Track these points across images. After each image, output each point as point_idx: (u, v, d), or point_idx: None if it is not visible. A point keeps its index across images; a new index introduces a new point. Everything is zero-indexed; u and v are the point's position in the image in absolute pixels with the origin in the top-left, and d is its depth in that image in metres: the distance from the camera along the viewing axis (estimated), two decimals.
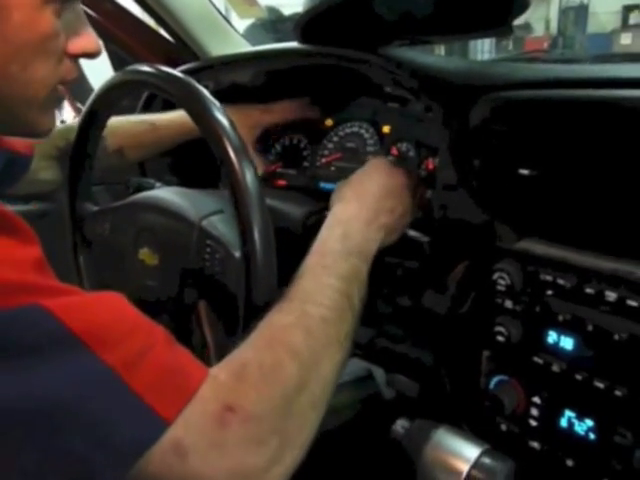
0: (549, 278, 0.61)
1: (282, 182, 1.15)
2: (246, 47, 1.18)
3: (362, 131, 1.05)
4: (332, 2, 0.84)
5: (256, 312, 0.61)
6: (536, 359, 0.64)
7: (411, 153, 0.98)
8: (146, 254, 0.80)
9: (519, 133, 0.66)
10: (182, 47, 1.23)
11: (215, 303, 0.75)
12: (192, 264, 0.74)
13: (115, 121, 0.94)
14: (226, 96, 1.13)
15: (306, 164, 1.12)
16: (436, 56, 0.88)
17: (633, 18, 6.19)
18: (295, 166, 1.14)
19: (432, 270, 0.81)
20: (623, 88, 0.58)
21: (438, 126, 0.78)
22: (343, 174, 1.06)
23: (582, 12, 5.76)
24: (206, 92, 0.64)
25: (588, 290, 0.59)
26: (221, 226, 0.74)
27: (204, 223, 0.74)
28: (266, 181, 1.17)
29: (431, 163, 0.95)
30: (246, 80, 1.06)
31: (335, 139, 1.09)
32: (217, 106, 0.63)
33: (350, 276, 0.62)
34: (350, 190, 0.73)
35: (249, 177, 0.62)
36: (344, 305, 0.59)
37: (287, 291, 0.60)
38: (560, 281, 0.60)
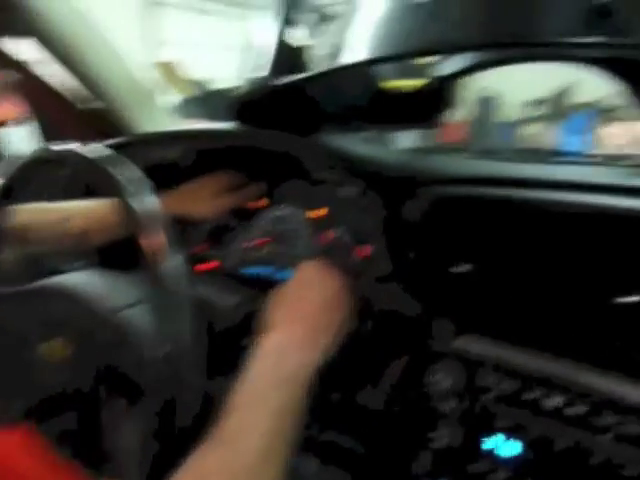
0: (490, 381, 0.58)
1: (207, 265, 1.09)
2: (178, 124, 1.14)
3: (294, 214, 1.02)
4: (271, 88, 0.82)
5: (176, 432, 0.54)
6: (477, 466, 0.60)
7: (345, 238, 0.96)
8: (52, 348, 0.71)
9: (454, 228, 0.64)
10: (114, 119, 1.17)
11: (133, 404, 0.67)
12: (107, 361, 0.66)
13: (81, 202, 0.89)
14: (155, 173, 1.08)
15: (235, 246, 1.07)
16: (370, 145, 0.87)
17: (535, 111, 6.78)
18: (223, 248, 1.08)
19: (367, 364, 0.76)
20: (553, 189, 0.58)
21: (373, 214, 0.76)
22: (275, 258, 1.03)
23: (487, 103, 6.21)
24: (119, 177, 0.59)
25: (529, 395, 0.56)
26: (140, 320, 0.66)
27: (120, 316, 0.66)
28: (191, 263, 1.10)
29: (364, 250, 0.93)
30: (176, 157, 1.01)
31: (264, 222, 1.05)
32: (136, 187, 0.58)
33: (283, 409, 0.55)
34: (282, 312, 0.66)
35: (173, 267, 0.56)
36: (275, 446, 0.53)
37: (213, 429, 0.53)
38: (501, 385, 0.57)
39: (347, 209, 0.95)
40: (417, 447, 0.64)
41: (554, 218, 0.58)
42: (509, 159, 0.86)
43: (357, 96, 0.86)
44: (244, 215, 1.07)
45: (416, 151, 0.83)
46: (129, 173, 0.59)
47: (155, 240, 0.55)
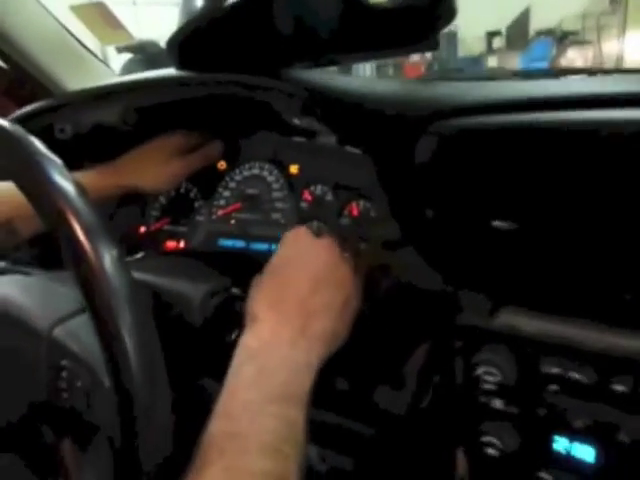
0: (554, 369, 0.44)
1: (171, 244, 0.92)
2: (112, 79, 0.95)
3: (264, 173, 0.85)
4: (214, 15, 0.64)
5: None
6: (543, 476, 0.46)
7: (328, 197, 0.80)
8: None
9: (488, 172, 0.49)
10: (32, 81, 0.97)
11: (85, 444, 0.51)
12: (43, 394, 0.50)
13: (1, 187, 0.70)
14: (89, 140, 0.89)
15: (200, 218, 0.90)
16: (352, 77, 0.70)
17: (496, 43, 6.61)
18: (186, 222, 0.91)
19: (382, 360, 0.61)
20: (619, 107, 0.43)
21: (366, 166, 0.60)
22: (246, 227, 0.86)
23: (452, 38, 6.02)
24: (32, 145, 0.41)
25: (608, 385, 0.42)
26: (84, 334, 0.50)
27: (57, 332, 0.50)
28: (151, 243, 0.93)
29: (355, 208, 0.77)
30: (113, 119, 0.82)
31: (232, 185, 0.88)
32: (49, 160, 0.41)
33: (276, 442, 0.40)
34: (266, 298, 0.52)
35: (110, 262, 0.40)
36: (279, 469, 0.38)
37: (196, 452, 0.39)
38: (569, 373, 0.43)
39: (327, 162, 0.79)
40: (455, 453, 0.51)
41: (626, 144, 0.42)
42: (528, 77, 0.70)
43: (328, 18, 0.68)
44: (204, 181, 0.90)
45: (415, 81, 0.66)
46: (32, 147, 0.41)
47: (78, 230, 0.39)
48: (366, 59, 0.75)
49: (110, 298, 0.40)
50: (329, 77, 0.65)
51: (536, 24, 6.35)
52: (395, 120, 0.54)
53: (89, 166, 0.90)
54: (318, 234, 0.58)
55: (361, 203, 0.77)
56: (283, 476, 0.38)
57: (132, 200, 0.92)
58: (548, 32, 6.04)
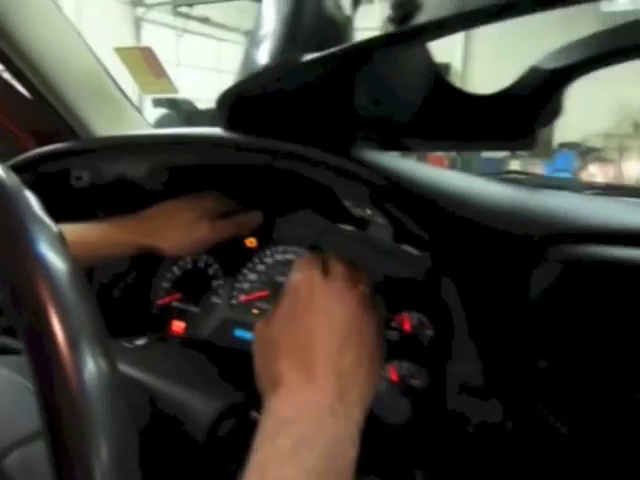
0: None
1: (178, 326, 0.77)
2: (145, 130, 0.84)
3: None
4: (280, 72, 0.53)
5: None
6: None
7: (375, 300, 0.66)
8: None
9: (628, 314, 0.35)
10: (56, 118, 0.86)
11: None
12: None
13: None
14: (107, 193, 0.78)
15: (216, 300, 0.76)
16: (440, 170, 0.57)
17: None
18: (199, 302, 0.77)
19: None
20: None
21: (441, 281, 0.47)
22: None
23: None
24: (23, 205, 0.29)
25: None
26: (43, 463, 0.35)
27: (8, 462, 0.35)
28: (155, 319, 0.79)
29: (407, 321, 0.63)
30: (139, 174, 0.70)
31: (260, 268, 0.75)
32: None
33: None
34: (284, 354, 0.42)
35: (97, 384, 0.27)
36: None
37: None
38: None
39: (381, 259, 0.66)
40: None
41: None
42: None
43: (414, 95, 0.57)
44: (228, 257, 0.77)
45: (516, 188, 0.54)
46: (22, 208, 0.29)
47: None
48: (446, 149, 0.64)
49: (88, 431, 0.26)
50: (412, 166, 0.53)
51: (558, 137, 6.45)
52: (505, 238, 0.42)
53: (102, 219, 0.78)
54: (326, 267, 0.46)
55: (415, 317, 0.63)
56: None
57: (145, 263, 0.79)
58: (572, 145, 6.11)
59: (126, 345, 0.58)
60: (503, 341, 0.44)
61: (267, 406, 0.40)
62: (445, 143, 0.63)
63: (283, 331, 0.44)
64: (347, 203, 0.59)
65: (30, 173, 0.76)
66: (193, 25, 7.29)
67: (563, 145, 6.28)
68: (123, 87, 0.93)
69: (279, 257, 0.74)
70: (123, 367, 0.52)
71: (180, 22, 7.30)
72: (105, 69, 0.88)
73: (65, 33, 0.85)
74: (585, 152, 6.08)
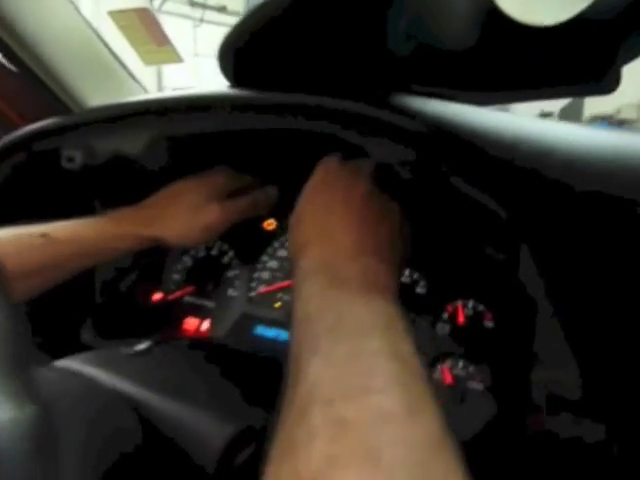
0: None
1: (192, 323, 0.67)
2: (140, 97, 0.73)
3: None
4: (292, 10, 0.41)
5: None
6: None
7: (420, 287, 0.55)
8: None
9: None
10: (46, 92, 0.76)
11: None
12: None
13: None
14: (104, 175, 0.67)
15: (233, 293, 0.66)
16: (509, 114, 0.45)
17: None
18: (215, 295, 0.67)
19: None
20: None
21: (527, 270, 0.35)
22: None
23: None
24: None
25: None
26: None
27: None
28: (165, 316, 0.69)
29: (461, 311, 0.52)
30: (136, 150, 0.59)
31: (281, 253, 0.64)
32: None
33: (381, 323, 0.32)
34: (310, 224, 0.42)
35: None
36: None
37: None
38: None
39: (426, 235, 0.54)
40: None
41: None
42: None
43: (458, 24, 0.45)
44: (245, 242, 0.66)
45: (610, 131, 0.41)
46: None
47: None
48: (500, 100, 0.51)
49: None
50: (476, 114, 0.40)
51: (588, 108, 6.17)
52: (608, 203, 0.30)
53: (101, 210, 0.68)
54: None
55: (470, 306, 0.51)
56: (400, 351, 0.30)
57: (151, 255, 0.69)
58: (604, 117, 5.84)
59: (124, 351, 0.48)
60: (607, 339, 0.32)
61: (299, 264, 0.39)
62: (498, 93, 0.50)
63: (309, 208, 0.44)
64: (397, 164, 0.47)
65: (19, 155, 0.67)
66: (210, 15, 7.19)
67: (595, 117, 6.00)
68: (135, 67, 0.83)
69: None
70: (114, 380, 0.41)
71: (197, 12, 7.20)
72: (100, 38, 0.78)
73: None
74: (618, 124, 5.79)
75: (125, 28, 0.75)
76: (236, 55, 0.48)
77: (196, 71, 6.67)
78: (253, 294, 0.64)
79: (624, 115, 5.81)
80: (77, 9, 0.73)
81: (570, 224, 0.32)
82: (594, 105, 5.98)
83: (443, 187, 0.41)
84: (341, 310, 0.33)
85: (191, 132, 0.54)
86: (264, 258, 0.64)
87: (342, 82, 0.47)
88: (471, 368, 0.50)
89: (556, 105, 6.38)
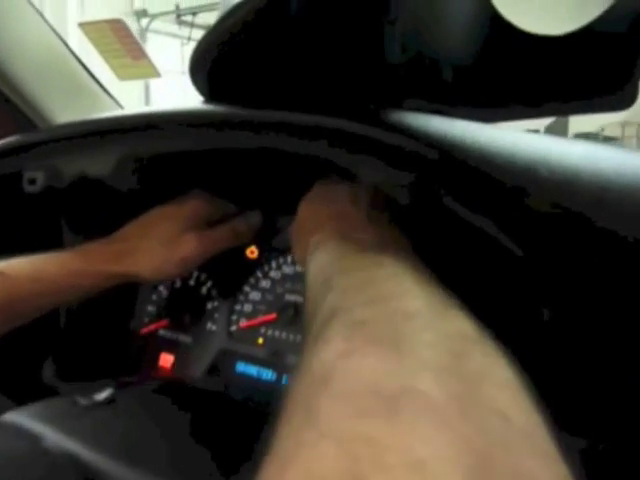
0: None
1: (166, 360, 0.61)
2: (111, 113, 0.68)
3: None
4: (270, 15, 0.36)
5: None
6: None
7: None
8: None
9: None
10: (17, 114, 0.70)
11: None
12: None
13: None
14: (71, 200, 0.62)
15: (212, 327, 0.60)
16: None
17: None
18: (192, 329, 0.61)
19: None
20: None
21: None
22: (282, 351, 0.56)
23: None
24: None
25: None
26: None
27: None
28: (136, 353, 0.63)
29: None
30: (104, 171, 0.54)
31: (264, 284, 0.58)
32: None
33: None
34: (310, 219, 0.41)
35: None
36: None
37: None
38: None
39: None
40: None
41: None
42: None
43: (461, 33, 0.41)
44: (225, 272, 0.60)
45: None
46: None
47: None
48: (505, 117, 0.46)
49: None
50: (484, 133, 0.35)
51: (574, 128, 6.23)
52: None
53: (69, 240, 0.62)
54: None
55: None
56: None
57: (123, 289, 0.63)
58: (587, 135, 5.88)
59: (81, 402, 0.42)
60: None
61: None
62: (503, 110, 0.45)
63: (308, 213, 0.42)
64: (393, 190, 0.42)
65: None
66: (198, 33, 7.18)
67: (578, 135, 6.05)
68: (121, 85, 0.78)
69: (288, 270, 0.57)
70: (63, 439, 0.35)
71: (185, 31, 7.20)
72: (71, 51, 0.72)
73: (20, 8, 0.69)
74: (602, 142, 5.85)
75: (96, 40, 0.70)
76: (210, 67, 0.42)
77: (184, 89, 6.64)
78: (234, 328, 0.58)
79: (608, 133, 5.86)
80: (45, 19, 0.68)
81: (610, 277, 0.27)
82: (578, 123, 6.02)
83: (446, 216, 0.36)
84: (363, 266, 0.29)
85: (163, 151, 0.49)
86: (246, 289, 0.58)
87: (329, 97, 0.42)
88: None
89: (541, 123, 6.43)
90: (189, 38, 7.27)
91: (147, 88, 5.42)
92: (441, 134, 0.36)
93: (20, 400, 0.64)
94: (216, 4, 7.34)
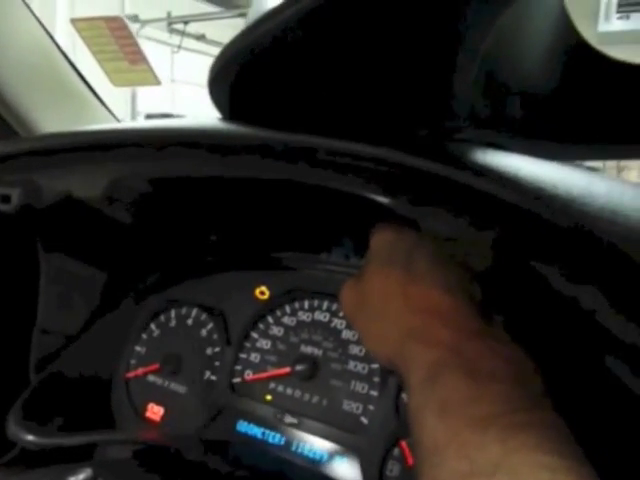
0: None
1: (155, 412, 0.51)
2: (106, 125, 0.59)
3: (336, 321, 0.47)
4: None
5: None
6: None
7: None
8: None
9: None
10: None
11: None
12: None
13: None
14: (49, 224, 0.53)
15: (211, 376, 0.51)
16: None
17: None
18: (186, 378, 0.52)
19: None
20: None
21: None
22: (293, 410, 0.47)
23: None
24: None
25: None
26: None
27: None
28: (120, 402, 0.53)
29: None
30: (92, 193, 0.45)
31: (276, 331, 0.50)
32: None
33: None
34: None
35: None
36: None
37: None
38: None
39: None
40: None
41: None
42: None
43: (538, 61, 0.33)
44: (234, 312, 0.52)
45: None
46: None
47: None
48: (584, 156, 0.38)
49: None
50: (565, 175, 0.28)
51: None
52: None
53: (45, 267, 0.53)
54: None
55: None
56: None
57: (108, 322, 0.54)
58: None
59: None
60: None
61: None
62: (581, 147, 0.38)
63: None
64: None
65: None
66: (188, 42, 7.11)
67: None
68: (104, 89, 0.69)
69: (304, 316, 0.49)
70: None
71: (176, 39, 7.12)
72: (61, 50, 0.63)
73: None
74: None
75: (90, 39, 0.61)
76: (233, 82, 0.34)
77: (172, 97, 6.55)
78: (237, 380, 0.49)
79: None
80: (33, 13, 0.59)
81: None
82: None
83: (533, 283, 0.28)
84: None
85: (169, 175, 0.40)
86: (254, 335, 0.50)
87: (377, 125, 0.34)
88: None
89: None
90: (179, 46, 7.18)
91: (134, 96, 5.28)
92: (531, 177, 0.28)
93: None
94: (208, 14, 7.30)
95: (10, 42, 0.58)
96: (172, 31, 7.03)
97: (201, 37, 7.15)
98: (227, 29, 7.24)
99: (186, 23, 6.87)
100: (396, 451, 0.41)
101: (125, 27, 0.60)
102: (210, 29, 7.23)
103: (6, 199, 0.47)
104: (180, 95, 6.78)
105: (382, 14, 0.27)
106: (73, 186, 0.47)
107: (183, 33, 7.12)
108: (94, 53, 0.60)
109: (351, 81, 0.32)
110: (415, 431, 0.27)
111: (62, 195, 0.47)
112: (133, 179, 0.42)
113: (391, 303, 0.31)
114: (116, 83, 0.65)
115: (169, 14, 7.02)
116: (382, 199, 0.31)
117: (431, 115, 0.34)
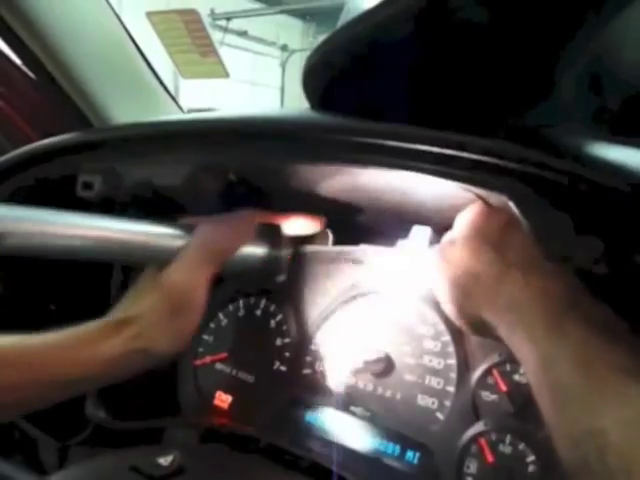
0: None
1: (223, 401, 0.52)
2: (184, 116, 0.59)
3: (413, 317, 0.47)
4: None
5: None
6: None
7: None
8: None
9: None
10: (66, 104, 0.62)
11: None
12: None
13: None
14: (130, 210, 0.53)
15: (280, 367, 0.51)
16: None
17: None
18: (255, 367, 0.52)
19: None
20: None
21: None
22: (367, 412, 0.46)
23: None
24: None
25: None
26: None
27: None
28: (187, 387, 0.54)
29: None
30: (174, 181, 0.45)
31: (348, 325, 0.49)
32: None
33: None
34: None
35: None
36: None
37: None
38: None
39: None
40: None
41: None
42: None
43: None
44: (301, 303, 0.52)
45: None
46: None
47: None
48: None
49: None
50: None
51: None
52: None
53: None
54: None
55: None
56: None
57: None
58: None
59: (144, 470, 0.33)
60: None
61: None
62: None
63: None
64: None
65: (23, 177, 0.53)
66: (230, 38, 7.17)
67: None
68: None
69: (376, 311, 0.48)
70: None
71: (218, 35, 7.20)
72: (135, 43, 0.64)
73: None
74: None
75: (163, 32, 0.62)
76: (329, 74, 0.34)
77: (213, 92, 6.61)
78: (308, 372, 0.49)
79: None
80: (110, 5, 0.60)
81: None
82: None
83: None
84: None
85: (253, 166, 0.40)
86: (325, 329, 0.50)
87: (477, 118, 0.33)
88: (518, 444, 0.36)
89: None
90: (222, 42, 7.25)
91: (176, 90, 5.33)
92: None
93: (59, 436, 0.56)
94: (250, 10, 7.34)
95: (88, 33, 0.59)
96: (215, 27, 7.11)
97: (243, 33, 7.20)
98: (269, 25, 7.27)
99: (229, 19, 6.94)
100: (474, 448, 0.40)
101: (200, 20, 0.61)
102: (252, 25, 7.27)
103: (89, 186, 0.48)
104: (220, 90, 6.84)
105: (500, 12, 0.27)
106: (153, 175, 0.47)
107: (226, 29, 7.19)
108: (166, 46, 0.61)
109: (459, 74, 0.31)
110: (547, 378, 0.28)
111: (142, 183, 0.48)
112: (215, 168, 0.43)
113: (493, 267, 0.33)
114: (185, 75, 0.67)
115: (212, 11, 7.12)
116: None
117: (535, 109, 0.33)
